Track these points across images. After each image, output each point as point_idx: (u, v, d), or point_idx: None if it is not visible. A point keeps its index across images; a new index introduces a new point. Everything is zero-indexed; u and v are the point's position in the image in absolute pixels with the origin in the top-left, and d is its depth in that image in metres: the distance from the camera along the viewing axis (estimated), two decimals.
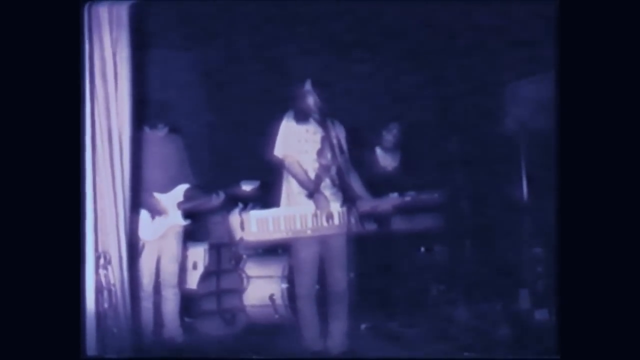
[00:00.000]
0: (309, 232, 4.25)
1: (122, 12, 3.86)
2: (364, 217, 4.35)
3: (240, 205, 5.28)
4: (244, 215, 4.34)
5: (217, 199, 4.83)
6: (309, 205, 4.25)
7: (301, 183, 4.28)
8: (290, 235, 4.27)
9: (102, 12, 3.78)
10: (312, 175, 4.30)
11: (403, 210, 4.77)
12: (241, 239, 5.41)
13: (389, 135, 5.78)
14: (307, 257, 4.31)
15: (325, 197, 4.26)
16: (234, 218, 5.49)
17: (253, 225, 4.24)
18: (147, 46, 4.38)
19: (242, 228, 4.26)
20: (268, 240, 4.37)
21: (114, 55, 3.85)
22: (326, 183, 4.33)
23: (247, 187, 4.79)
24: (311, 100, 4.30)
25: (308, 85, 4.31)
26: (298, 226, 4.24)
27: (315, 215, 4.23)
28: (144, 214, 4.63)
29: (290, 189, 4.34)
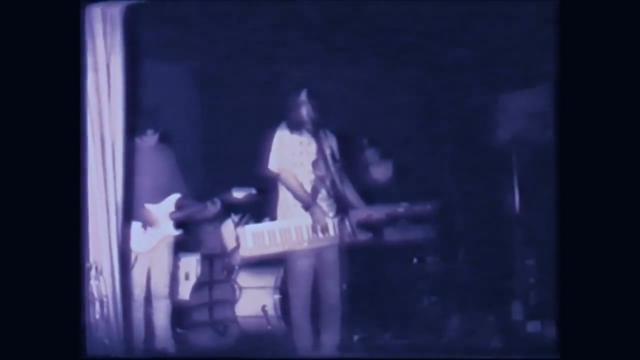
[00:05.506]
0: (305, 244, 4.24)
1: (116, 22, 3.86)
2: (358, 227, 4.35)
3: (235, 218, 5.23)
4: (239, 230, 4.28)
5: (214, 207, 4.74)
6: (304, 217, 4.23)
7: (298, 197, 4.26)
8: (286, 248, 4.25)
9: (97, 22, 3.78)
10: (308, 187, 4.29)
11: (396, 221, 4.76)
12: (234, 250, 5.38)
13: (369, 152, 5.83)
14: (301, 269, 4.31)
15: (322, 210, 4.25)
16: (229, 232, 5.46)
17: (249, 240, 4.21)
18: (140, 56, 4.36)
19: (238, 243, 4.20)
20: (265, 254, 4.33)
21: (108, 65, 3.85)
22: (322, 194, 4.32)
23: (238, 194, 4.72)
24: (305, 111, 4.29)
25: (303, 96, 4.31)
26: (294, 239, 4.22)
27: (311, 227, 4.22)
28: (135, 226, 4.61)
29: (285, 201, 4.33)
